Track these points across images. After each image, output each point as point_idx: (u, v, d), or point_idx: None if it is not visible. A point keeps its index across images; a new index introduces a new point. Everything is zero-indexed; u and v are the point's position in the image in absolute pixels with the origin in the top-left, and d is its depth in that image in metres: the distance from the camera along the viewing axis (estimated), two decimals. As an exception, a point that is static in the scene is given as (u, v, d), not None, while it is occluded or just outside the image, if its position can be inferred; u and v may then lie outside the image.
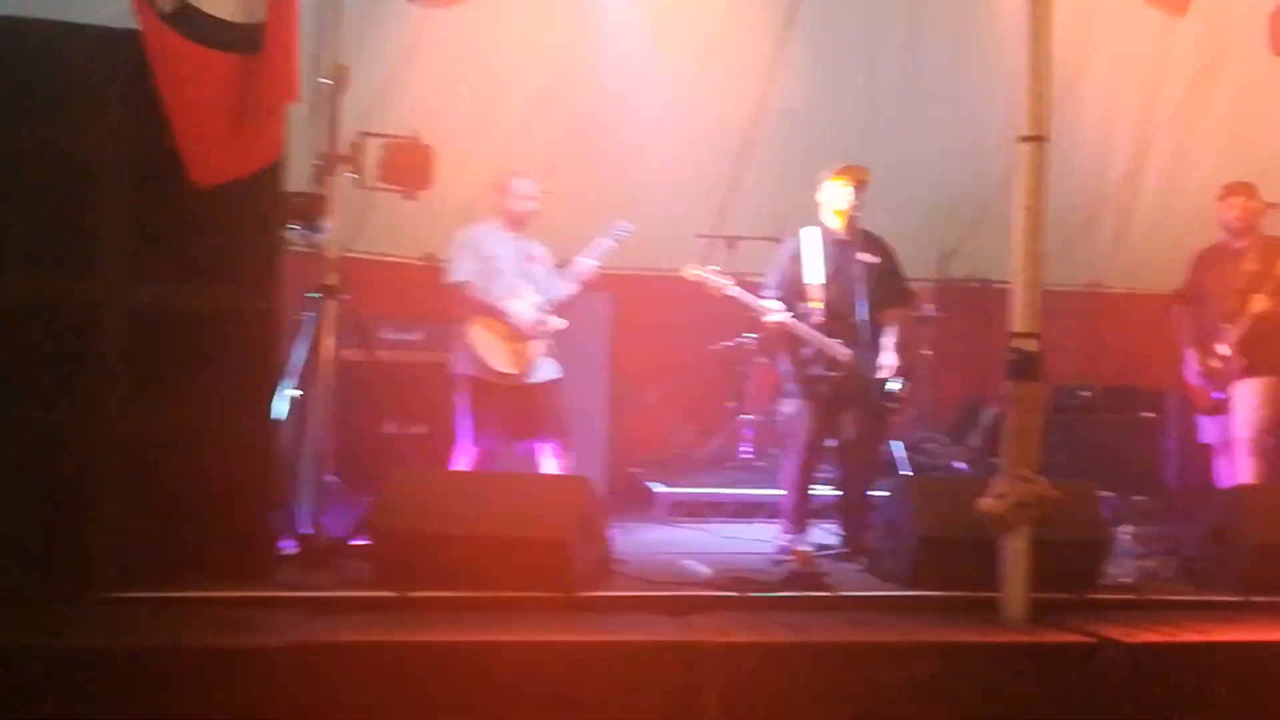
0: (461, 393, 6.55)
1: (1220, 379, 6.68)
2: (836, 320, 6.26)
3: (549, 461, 6.60)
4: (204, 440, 4.93)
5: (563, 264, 6.72)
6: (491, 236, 6.62)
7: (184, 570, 4.76)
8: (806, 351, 6.32)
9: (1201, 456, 6.95)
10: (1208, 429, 6.85)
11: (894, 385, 6.29)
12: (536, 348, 6.56)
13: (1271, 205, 6.84)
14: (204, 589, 4.69)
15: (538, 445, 6.62)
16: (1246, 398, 6.62)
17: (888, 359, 6.29)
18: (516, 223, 6.64)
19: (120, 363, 4.85)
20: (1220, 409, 6.72)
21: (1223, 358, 6.64)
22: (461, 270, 6.51)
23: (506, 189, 6.64)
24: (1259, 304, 6.54)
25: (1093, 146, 9.08)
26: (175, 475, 4.89)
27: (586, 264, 6.61)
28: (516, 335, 6.49)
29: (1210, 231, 6.97)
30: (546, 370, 6.64)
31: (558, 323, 6.59)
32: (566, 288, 6.62)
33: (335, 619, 4.48)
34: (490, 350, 6.47)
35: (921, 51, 8.19)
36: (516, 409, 6.55)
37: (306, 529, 5.44)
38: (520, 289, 6.53)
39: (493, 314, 6.47)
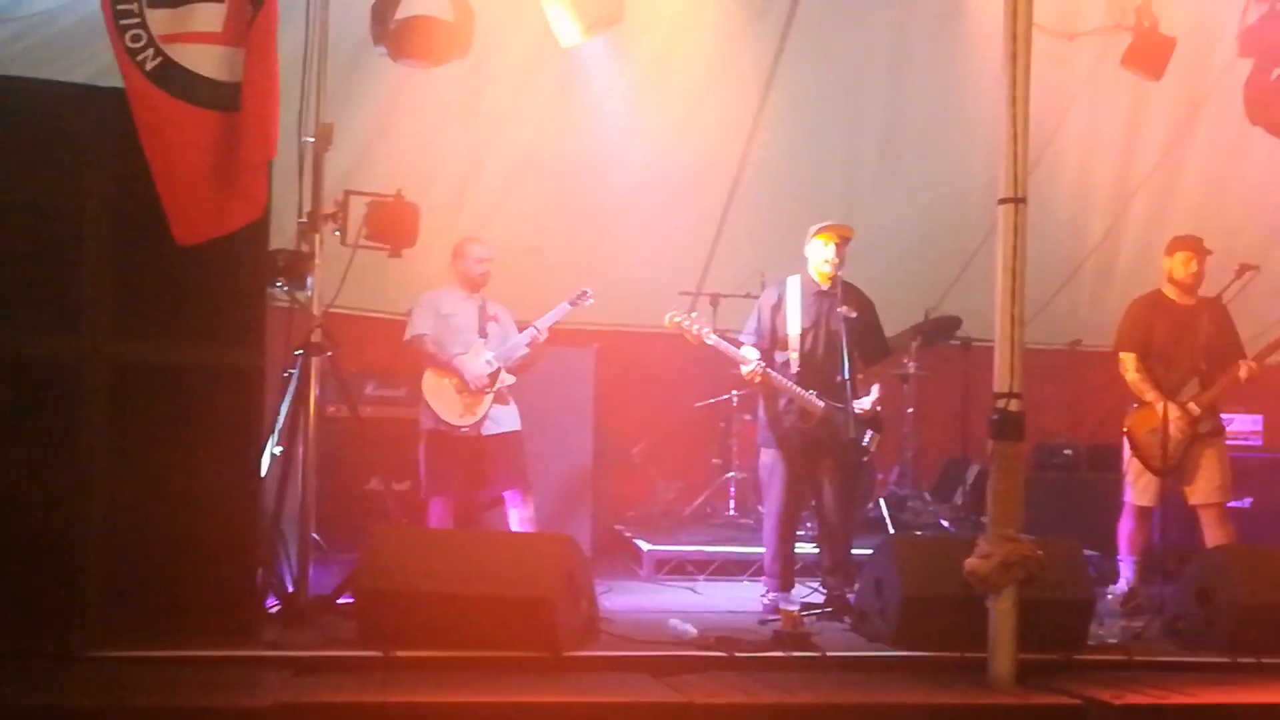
0: (421, 445, 6.78)
1: (1185, 438, 6.45)
2: (813, 371, 6.28)
3: (512, 512, 6.77)
4: (189, 498, 4.91)
5: (522, 326, 6.95)
6: (450, 297, 6.92)
7: (170, 629, 4.72)
8: (781, 402, 6.34)
9: (1187, 516, 6.71)
10: (1148, 490, 6.51)
11: (865, 438, 6.31)
12: (488, 401, 6.74)
13: (1247, 266, 6.83)
14: (190, 648, 4.64)
15: (503, 495, 6.80)
16: (1213, 461, 6.55)
17: (866, 404, 6.28)
18: (473, 285, 6.92)
19: (105, 420, 4.85)
20: (1174, 471, 6.47)
21: (1193, 417, 6.49)
22: (417, 326, 6.81)
23: (462, 253, 6.93)
24: (1244, 371, 6.49)
25: (1071, 206, 9.16)
26: (161, 533, 4.87)
27: (536, 329, 6.85)
28: (467, 388, 6.70)
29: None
30: (503, 422, 6.81)
31: (508, 379, 6.80)
32: (520, 349, 6.85)
33: (320, 678, 4.45)
34: (441, 402, 6.71)
35: (902, 111, 8.27)
36: (473, 460, 6.73)
37: (290, 587, 5.40)
38: (474, 345, 6.78)
39: (445, 368, 6.71)
